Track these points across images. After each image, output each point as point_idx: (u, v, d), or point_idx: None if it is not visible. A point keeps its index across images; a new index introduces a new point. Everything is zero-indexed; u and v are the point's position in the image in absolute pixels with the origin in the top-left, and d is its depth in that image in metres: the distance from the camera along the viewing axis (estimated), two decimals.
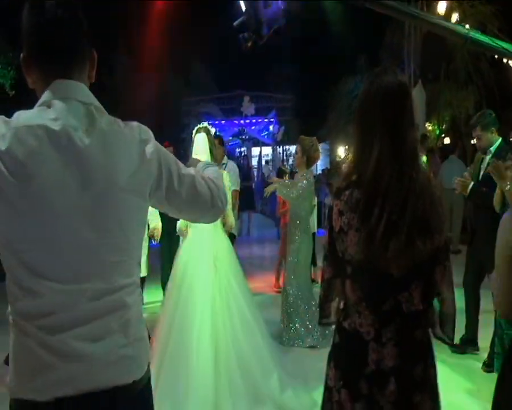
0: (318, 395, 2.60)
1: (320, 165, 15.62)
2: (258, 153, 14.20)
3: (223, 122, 10.71)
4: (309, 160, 3.78)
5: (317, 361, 3.09)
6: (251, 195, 10.93)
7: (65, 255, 0.90)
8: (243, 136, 13.33)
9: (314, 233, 5.63)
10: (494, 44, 5.37)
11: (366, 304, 1.19)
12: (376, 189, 1.16)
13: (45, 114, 0.91)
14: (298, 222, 3.77)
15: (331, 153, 13.68)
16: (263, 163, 13.82)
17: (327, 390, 1.27)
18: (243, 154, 14.13)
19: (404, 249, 1.13)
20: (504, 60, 7.06)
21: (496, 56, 6.87)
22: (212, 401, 2.27)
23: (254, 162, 13.96)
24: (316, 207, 5.68)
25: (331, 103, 11.78)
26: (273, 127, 12.25)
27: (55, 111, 0.91)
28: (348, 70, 11.76)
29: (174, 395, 2.24)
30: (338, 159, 12.87)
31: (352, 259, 1.19)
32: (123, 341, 0.94)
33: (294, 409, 2.50)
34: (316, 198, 5.80)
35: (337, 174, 11.50)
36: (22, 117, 0.91)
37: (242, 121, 12.31)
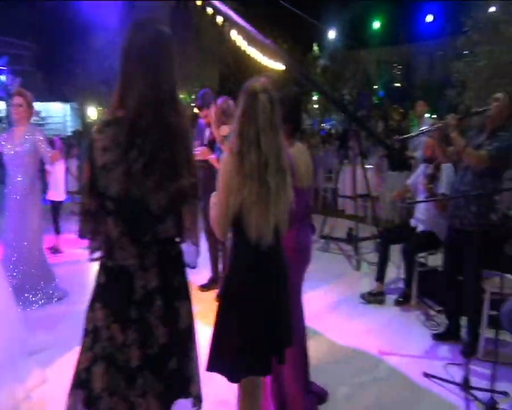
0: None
1: (69, 127, 14.21)
2: None
3: None
4: (31, 113, 3.77)
5: None
6: None
7: None
8: None
9: (61, 202, 5.25)
10: None
11: (129, 238, 1.29)
12: (136, 129, 1.25)
13: None
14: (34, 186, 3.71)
15: (81, 113, 12.62)
16: None
17: (93, 332, 1.31)
18: None
19: (158, 186, 1.28)
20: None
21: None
22: None
23: None
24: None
25: (79, 59, 10.72)
26: (6, 77, 10.18)
27: None
28: (99, 26, 10.92)
29: None
30: (89, 120, 11.99)
31: (115, 195, 1.26)
32: None
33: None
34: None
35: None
36: None
37: None
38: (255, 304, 1.71)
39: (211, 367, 1.75)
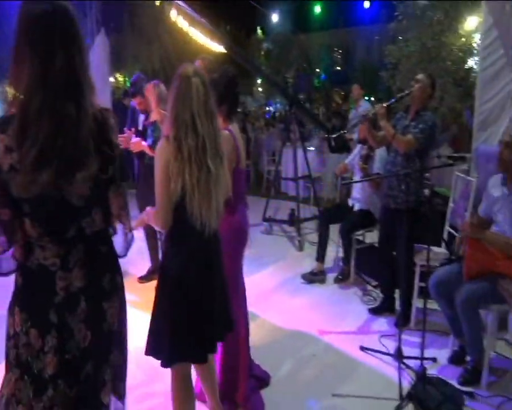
0: None
1: None
2: None
3: None
4: None
5: None
6: None
7: None
8: None
9: None
10: None
11: (50, 237, 1.19)
12: (28, 118, 1.12)
13: None
14: None
15: (4, 97, 11.62)
16: None
17: (12, 338, 1.23)
18: None
19: (58, 177, 1.15)
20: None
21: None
22: None
23: None
24: None
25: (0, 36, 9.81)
26: None
27: None
28: None
29: None
30: None
31: (25, 196, 1.15)
32: None
33: None
34: None
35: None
36: None
37: None
38: (200, 292, 1.70)
39: (149, 351, 1.75)
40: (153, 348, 1.74)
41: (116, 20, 9.07)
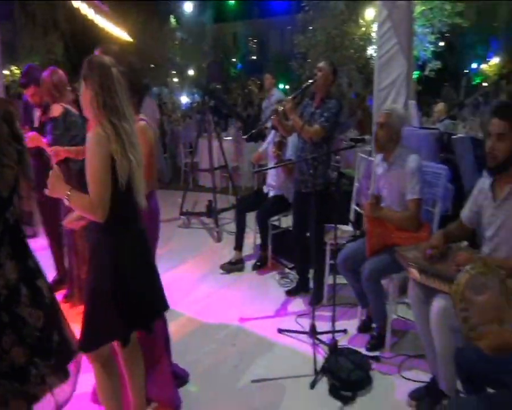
0: None
1: None
2: None
3: None
4: None
5: None
6: None
7: None
8: None
9: None
10: None
11: None
12: None
13: None
14: None
15: None
16: None
17: None
18: None
19: None
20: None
21: None
22: None
23: None
24: None
25: None
26: None
27: None
28: None
29: None
30: None
31: None
32: None
33: None
34: None
35: None
36: None
37: None
38: (146, 271, 1.80)
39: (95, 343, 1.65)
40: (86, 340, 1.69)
41: (5, 7, 8.13)
